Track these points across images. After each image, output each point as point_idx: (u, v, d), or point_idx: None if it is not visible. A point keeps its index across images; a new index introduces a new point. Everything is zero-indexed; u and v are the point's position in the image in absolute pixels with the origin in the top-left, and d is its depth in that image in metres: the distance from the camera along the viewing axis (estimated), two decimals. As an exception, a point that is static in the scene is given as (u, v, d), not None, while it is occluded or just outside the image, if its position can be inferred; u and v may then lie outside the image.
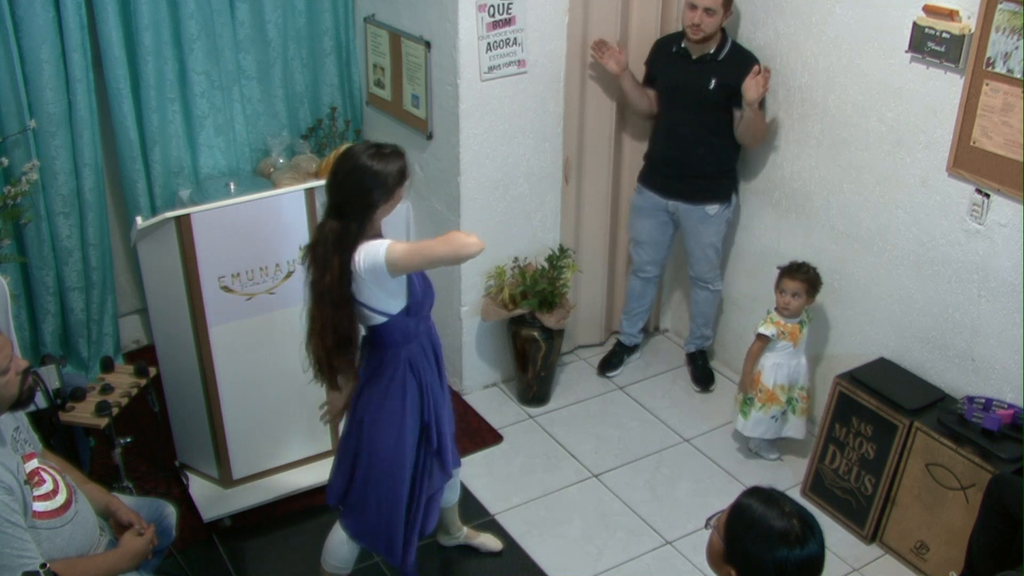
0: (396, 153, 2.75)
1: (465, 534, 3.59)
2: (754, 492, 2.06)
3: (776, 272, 3.94)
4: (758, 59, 4.01)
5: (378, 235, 2.78)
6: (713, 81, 4.03)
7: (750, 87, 3.90)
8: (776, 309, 3.92)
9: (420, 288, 2.87)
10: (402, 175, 2.74)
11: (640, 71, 4.29)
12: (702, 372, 4.60)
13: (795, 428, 4.00)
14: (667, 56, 4.15)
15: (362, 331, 2.89)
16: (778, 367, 3.92)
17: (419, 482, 3.01)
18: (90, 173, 4.04)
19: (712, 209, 4.24)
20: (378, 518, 3.01)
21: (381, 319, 2.80)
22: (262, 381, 3.62)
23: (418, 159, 4.29)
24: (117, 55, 3.96)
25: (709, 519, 2.12)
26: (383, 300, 2.77)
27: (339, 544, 3.11)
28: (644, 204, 4.36)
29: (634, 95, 4.23)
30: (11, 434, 2.53)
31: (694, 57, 4.06)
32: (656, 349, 4.88)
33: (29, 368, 2.55)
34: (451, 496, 3.41)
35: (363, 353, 2.94)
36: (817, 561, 1.99)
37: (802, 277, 3.86)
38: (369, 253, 2.68)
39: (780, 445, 4.16)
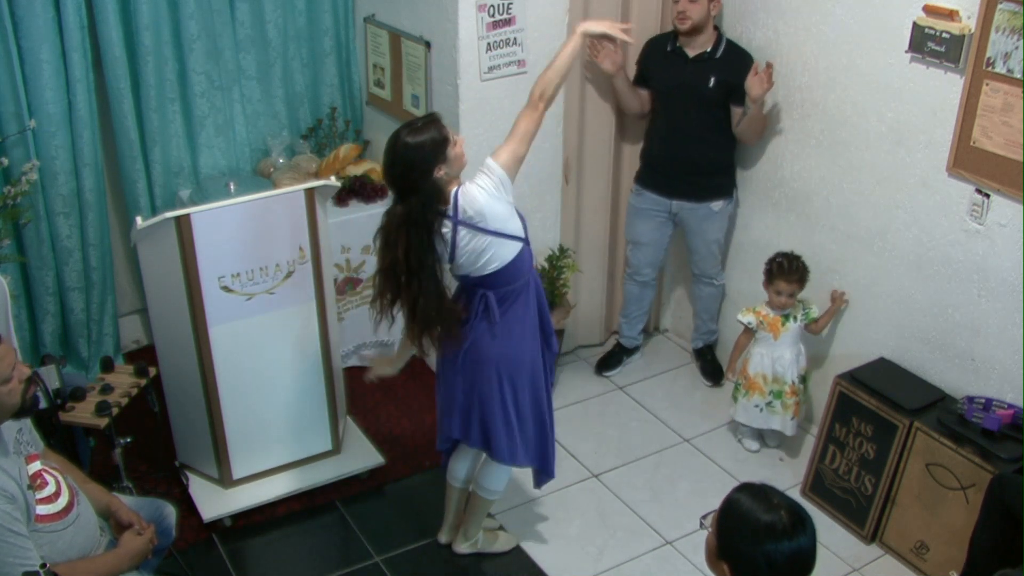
0: (428, 123, 2.91)
1: (483, 538, 3.58)
2: (744, 488, 2.07)
3: (763, 268, 3.97)
4: (752, 56, 4.03)
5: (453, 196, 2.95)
6: (712, 79, 4.03)
7: (753, 84, 3.91)
8: (767, 304, 3.96)
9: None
10: (437, 142, 2.87)
11: (635, 71, 4.29)
12: (711, 366, 4.61)
13: (782, 423, 4.01)
14: (662, 56, 4.14)
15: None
16: (761, 357, 3.97)
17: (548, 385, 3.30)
18: (90, 173, 4.04)
19: (716, 205, 4.26)
20: (536, 433, 3.25)
21: (516, 247, 3.00)
22: (262, 381, 3.62)
23: (418, 159, 4.29)
24: (117, 55, 3.96)
25: (703, 518, 2.13)
26: (510, 221, 2.97)
27: (496, 472, 3.36)
28: (644, 205, 4.35)
29: (627, 95, 4.22)
30: (14, 437, 2.53)
31: (691, 56, 4.06)
32: (656, 349, 4.89)
33: (32, 376, 2.55)
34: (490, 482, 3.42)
35: (482, 303, 3.08)
36: (807, 554, 1.98)
37: (796, 276, 3.88)
38: (483, 173, 2.92)
39: (785, 444, 4.16)
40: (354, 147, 4.53)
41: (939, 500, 3.45)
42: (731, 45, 4.08)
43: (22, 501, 2.38)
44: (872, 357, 3.90)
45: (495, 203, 2.92)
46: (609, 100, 4.35)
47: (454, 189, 2.93)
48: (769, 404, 3.99)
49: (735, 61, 4.04)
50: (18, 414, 2.50)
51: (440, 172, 2.87)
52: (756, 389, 3.98)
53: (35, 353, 4.22)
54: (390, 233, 2.93)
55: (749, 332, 4.00)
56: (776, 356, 3.95)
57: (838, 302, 3.97)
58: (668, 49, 4.12)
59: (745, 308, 4.01)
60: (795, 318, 3.93)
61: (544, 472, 3.39)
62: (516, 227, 2.99)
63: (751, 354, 4.00)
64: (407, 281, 2.94)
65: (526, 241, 3.05)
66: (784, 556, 1.95)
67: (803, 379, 4.01)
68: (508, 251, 2.99)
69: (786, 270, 3.88)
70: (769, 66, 3.91)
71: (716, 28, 4.08)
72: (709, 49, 4.05)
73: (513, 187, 2.97)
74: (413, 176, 2.85)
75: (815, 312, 3.95)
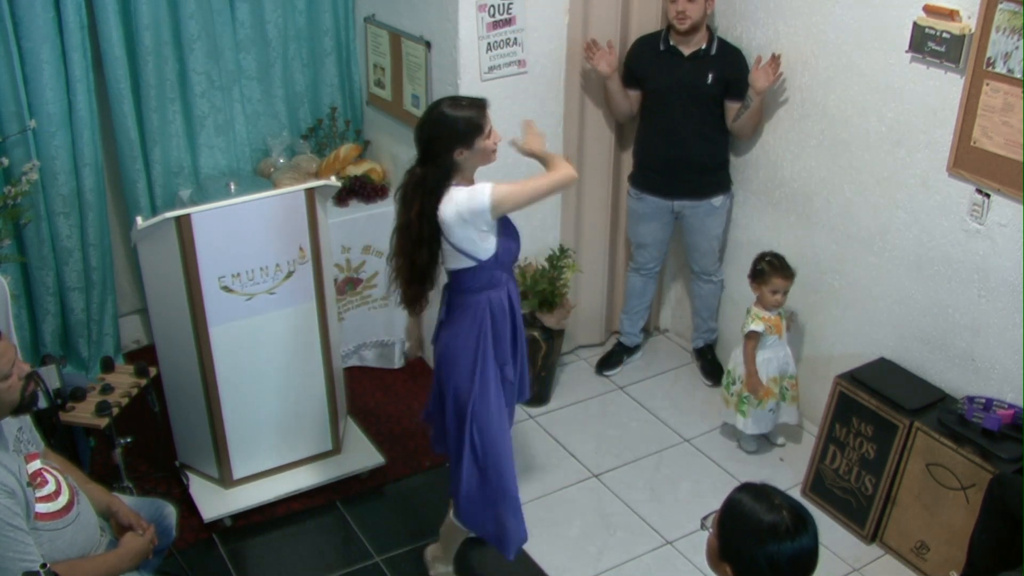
0: (473, 104, 2.90)
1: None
2: (745, 488, 2.07)
3: (751, 270, 3.98)
4: (743, 53, 4.09)
5: (470, 183, 2.94)
6: (710, 76, 4.05)
7: (759, 76, 3.92)
8: (759, 304, 3.95)
9: (514, 238, 3.01)
10: (472, 123, 2.85)
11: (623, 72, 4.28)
12: (712, 366, 4.61)
13: (788, 414, 4.07)
14: (655, 56, 4.13)
15: (444, 277, 3.07)
16: (768, 361, 3.96)
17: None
18: (90, 173, 4.04)
19: (717, 201, 4.27)
20: (475, 476, 3.08)
21: (470, 263, 2.94)
22: (262, 381, 3.62)
23: (418, 159, 4.29)
24: (117, 55, 3.96)
25: (704, 519, 2.12)
26: (475, 244, 2.90)
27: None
28: (647, 209, 4.35)
29: (619, 97, 4.21)
30: (14, 435, 2.53)
31: (687, 54, 4.07)
32: (656, 349, 4.88)
33: (32, 373, 2.55)
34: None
35: (445, 296, 3.10)
36: (809, 554, 1.98)
37: (789, 272, 3.91)
38: (473, 196, 2.85)
39: (789, 439, 4.17)
40: (354, 147, 4.53)
41: (939, 500, 3.45)
42: (723, 42, 4.11)
43: (22, 497, 2.39)
44: (872, 357, 3.90)
45: (459, 227, 2.87)
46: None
47: (455, 183, 2.91)
48: (779, 404, 4.03)
49: (730, 57, 4.08)
50: (17, 411, 2.50)
51: (461, 155, 2.87)
52: (771, 395, 3.98)
53: (35, 353, 4.22)
54: (407, 193, 2.94)
55: (754, 339, 3.91)
56: (782, 355, 3.98)
57: (789, 320, 4.09)
58: (661, 48, 4.12)
59: (750, 318, 3.92)
60: (784, 313, 4.00)
61: (499, 542, 3.11)
62: (475, 249, 2.93)
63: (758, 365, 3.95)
64: (414, 245, 2.93)
65: (490, 264, 2.96)
66: (786, 557, 1.95)
67: None
68: (457, 261, 2.97)
69: (778, 267, 3.90)
70: (774, 57, 3.92)
71: (708, 27, 4.10)
72: (704, 46, 4.06)
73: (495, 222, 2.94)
74: (435, 146, 2.86)
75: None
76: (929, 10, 3.40)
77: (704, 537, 2.13)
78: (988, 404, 3.42)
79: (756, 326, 3.91)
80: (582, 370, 4.69)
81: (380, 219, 4.28)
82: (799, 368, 4.15)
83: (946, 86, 3.43)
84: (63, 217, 4.05)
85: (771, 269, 3.89)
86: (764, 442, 4.19)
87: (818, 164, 3.99)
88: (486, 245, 2.94)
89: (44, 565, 2.37)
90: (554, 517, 3.78)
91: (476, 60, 3.89)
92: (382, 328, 4.53)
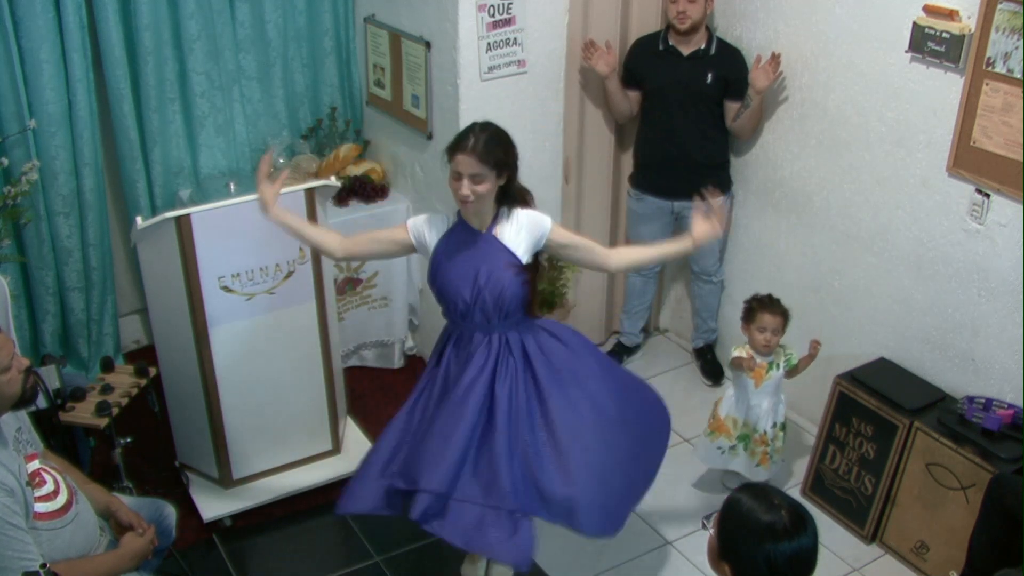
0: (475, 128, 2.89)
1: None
2: (745, 488, 2.08)
3: (741, 312, 3.75)
4: (742, 53, 4.09)
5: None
6: (709, 76, 4.05)
7: (759, 76, 3.93)
8: (750, 346, 3.69)
9: (440, 285, 2.99)
10: (453, 145, 2.85)
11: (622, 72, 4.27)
12: (712, 366, 4.61)
13: (746, 467, 3.78)
14: (654, 56, 4.14)
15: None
16: (736, 400, 3.74)
17: None
18: (90, 173, 4.04)
19: (718, 202, 4.25)
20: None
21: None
22: (262, 381, 3.62)
23: (418, 159, 4.29)
24: (117, 55, 3.96)
25: (705, 519, 2.13)
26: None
27: None
28: (647, 210, 4.34)
29: (618, 97, 4.21)
30: (13, 435, 2.53)
31: (686, 54, 4.07)
32: (656, 349, 4.88)
33: (31, 367, 2.55)
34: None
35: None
36: (808, 554, 1.98)
37: (780, 310, 3.64)
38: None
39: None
40: (354, 147, 4.53)
41: (939, 500, 3.45)
42: (722, 42, 4.11)
43: (21, 496, 2.39)
44: (872, 357, 3.90)
45: None
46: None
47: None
48: (732, 448, 3.77)
49: (729, 57, 4.08)
50: (18, 405, 2.50)
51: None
52: (723, 432, 3.76)
53: (35, 353, 4.22)
54: None
55: (736, 364, 3.71)
56: (752, 403, 3.71)
57: (814, 350, 3.74)
58: (660, 48, 4.12)
59: (737, 346, 3.74)
60: (778, 366, 3.69)
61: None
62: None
63: (725, 395, 3.80)
64: None
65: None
66: (785, 556, 1.95)
67: (783, 427, 3.79)
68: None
69: (767, 303, 3.66)
70: (774, 56, 3.92)
71: (707, 26, 4.11)
72: (703, 46, 4.07)
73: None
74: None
75: (795, 358, 3.72)
76: (929, 10, 3.40)
77: (704, 537, 2.14)
78: (988, 404, 3.42)
79: (738, 352, 3.70)
80: (582, 370, 4.68)
81: (380, 219, 4.27)
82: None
83: (946, 86, 3.43)
84: (63, 217, 4.05)
85: (759, 305, 3.65)
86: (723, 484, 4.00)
87: (818, 164, 3.99)
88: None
89: (44, 565, 2.37)
90: (554, 517, 3.77)
91: (476, 60, 3.89)
92: (382, 328, 4.53)
